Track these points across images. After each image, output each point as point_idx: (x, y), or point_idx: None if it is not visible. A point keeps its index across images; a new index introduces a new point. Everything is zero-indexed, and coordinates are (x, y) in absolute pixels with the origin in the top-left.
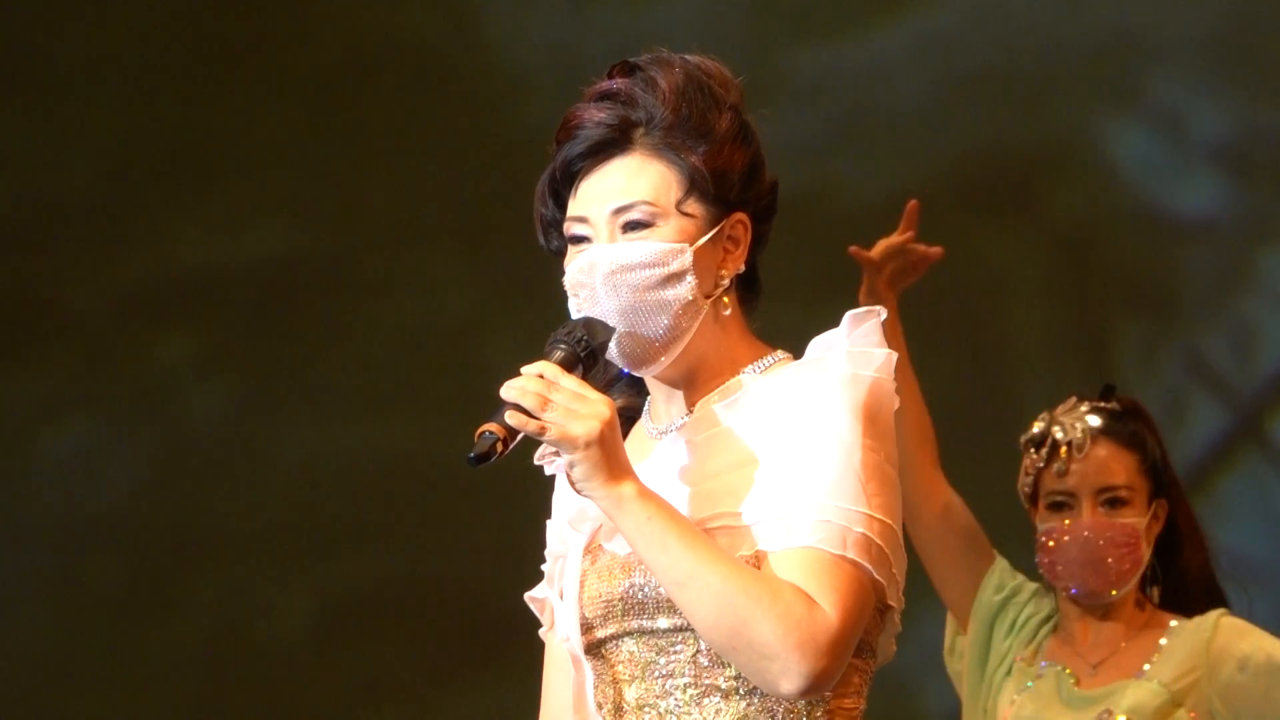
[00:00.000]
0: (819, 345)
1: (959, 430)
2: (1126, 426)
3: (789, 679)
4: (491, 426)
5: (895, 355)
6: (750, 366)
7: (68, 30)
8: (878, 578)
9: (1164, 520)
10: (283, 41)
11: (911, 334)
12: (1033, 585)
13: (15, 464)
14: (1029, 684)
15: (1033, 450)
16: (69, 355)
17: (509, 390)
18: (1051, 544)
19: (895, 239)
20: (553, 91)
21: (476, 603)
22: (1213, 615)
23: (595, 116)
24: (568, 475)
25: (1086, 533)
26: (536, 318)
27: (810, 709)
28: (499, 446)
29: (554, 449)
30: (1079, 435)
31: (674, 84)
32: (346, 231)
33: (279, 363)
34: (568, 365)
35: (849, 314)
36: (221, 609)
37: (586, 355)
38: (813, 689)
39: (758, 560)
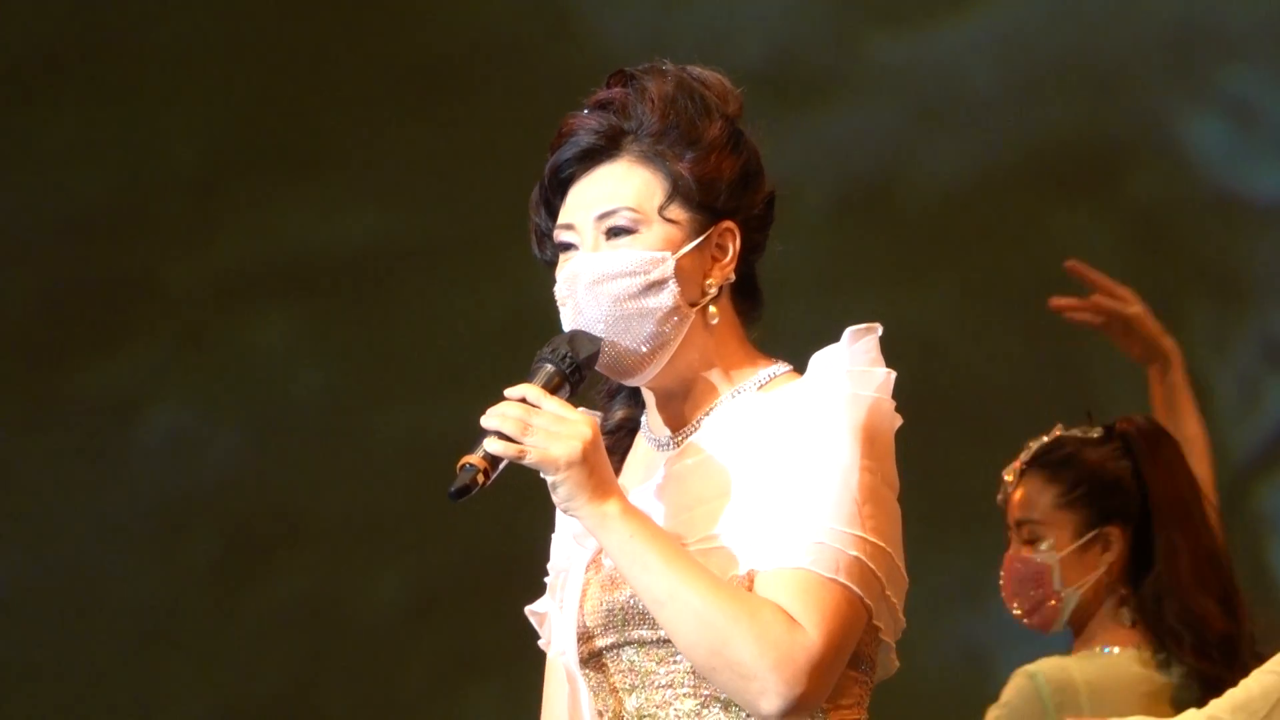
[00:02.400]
0: (819, 362)
1: (1031, 414)
2: (1054, 458)
3: (768, 699)
4: (472, 459)
5: (893, 374)
6: (750, 381)
7: (167, 17)
8: (867, 602)
9: (1125, 545)
10: (380, 31)
11: (987, 319)
12: None
13: (116, 445)
14: None
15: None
16: (168, 338)
17: (489, 418)
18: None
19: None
20: None
21: None
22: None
23: (586, 124)
24: (552, 497)
25: (1004, 566)
26: None
27: (809, 716)
28: (480, 478)
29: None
30: (1012, 472)
31: (663, 92)
32: (440, 218)
33: (374, 345)
34: (553, 384)
35: (849, 330)
36: (318, 586)
37: (572, 371)
38: (794, 710)
39: (750, 580)
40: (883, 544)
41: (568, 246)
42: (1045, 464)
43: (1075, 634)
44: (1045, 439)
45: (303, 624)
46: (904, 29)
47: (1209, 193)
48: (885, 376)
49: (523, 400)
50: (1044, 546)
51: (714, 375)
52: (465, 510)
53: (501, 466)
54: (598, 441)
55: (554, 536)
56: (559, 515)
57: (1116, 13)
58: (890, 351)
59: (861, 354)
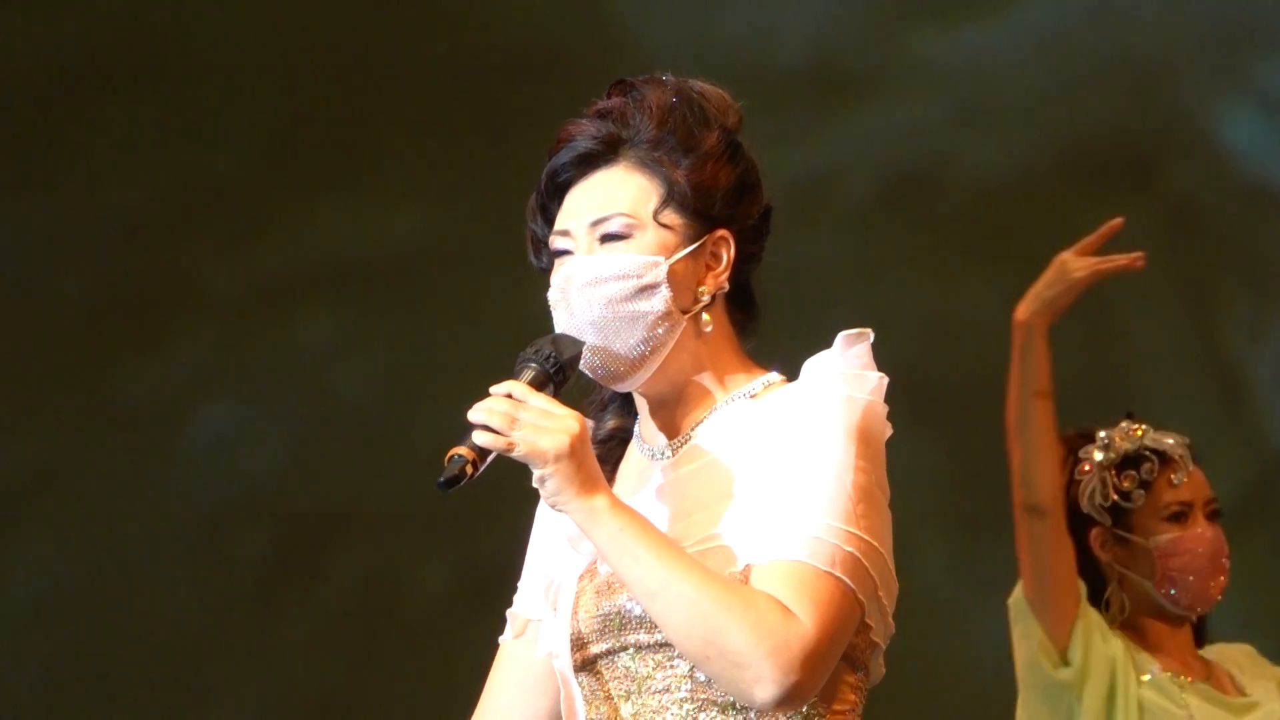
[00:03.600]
0: (812, 368)
1: (1074, 405)
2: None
3: (762, 687)
4: (460, 450)
5: (886, 379)
6: (743, 389)
7: (211, 19)
8: (860, 597)
9: None
10: (421, 38)
11: None
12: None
13: (165, 443)
14: (1183, 693)
15: (1130, 469)
16: (215, 337)
17: (476, 412)
18: (1184, 552)
19: (1122, 257)
20: None
21: None
22: (1247, 648)
23: (584, 130)
24: (540, 491)
25: (1215, 542)
26: None
27: None
28: (468, 469)
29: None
30: (1184, 450)
31: (663, 101)
32: (483, 217)
33: (417, 345)
34: (537, 384)
35: (841, 335)
36: (365, 582)
37: (556, 372)
38: (788, 699)
39: (746, 575)
40: (876, 543)
41: (562, 253)
42: (1194, 451)
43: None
44: (1142, 427)
45: (351, 619)
46: (944, 25)
47: (1246, 186)
48: (878, 381)
49: (509, 396)
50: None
51: (707, 383)
52: (510, 502)
53: (490, 459)
54: (585, 436)
55: (533, 544)
56: (545, 521)
57: (1154, 8)
58: (929, 345)
59: (854, 359)
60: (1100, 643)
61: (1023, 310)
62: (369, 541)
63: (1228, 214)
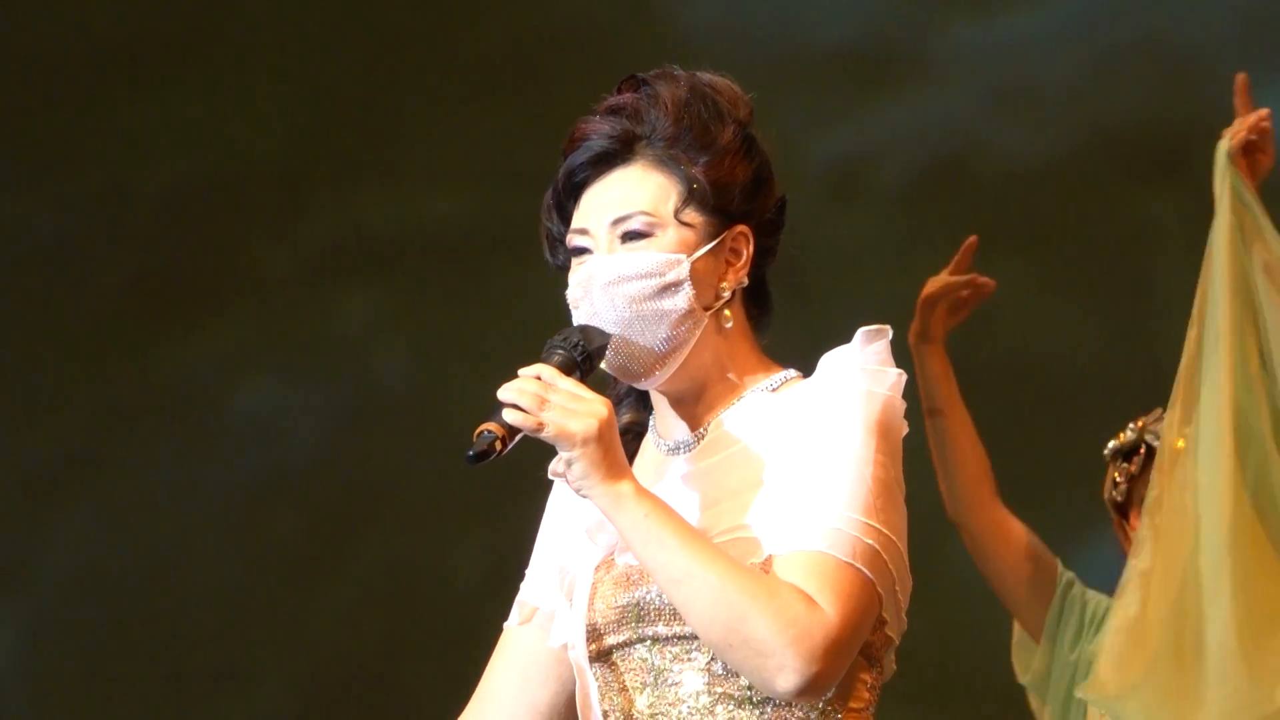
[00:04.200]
0: (831, 362)
1: (1110, 393)
2: None
3: (785, 676)
4: (490, 426)
5: (904, 375)
6: (760, 385)
7: (255, 8)
8: (879, 590)
9: None
10: (460, 17)
11: (1069, 300)
12: (1093, 593)
13: (205, 421)
14: None
15: (1123, 460)
16: (256, 317)
17: (506, 391)
18: None
19: (950, 279)
20: (722, 64)
21: None
22: None
23: (599, 129)
24: (565, 475)
25: None
26: None
27: (822, 718)
28: (497, 445)
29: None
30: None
31: (676, 97)
32: (523, 198)
33: (457, 324)
34: (565, 370)
35: (861, 331)
36: (400, 562)
37: (583, 360)
38: (810, 688)
39: (767, 566)
40: (894, 537)
41: (581, 251)
42: None
43: None
44: (1154, 419)
45: (386, 599)
46: (980, 10)
47: None
48: (897, 377)
49: (537, 379)
50: None
51: (726, 379)
52: (544, 486)
53: (518, 437)
54: (613, 422)
55: (544, 533)
56: (558, 511)
57: None
58: (962, 328)
59: (873, 355)
60: (1067, 646)
61: (909, 335)
62: (404, 522)
63: (1268, 203)
